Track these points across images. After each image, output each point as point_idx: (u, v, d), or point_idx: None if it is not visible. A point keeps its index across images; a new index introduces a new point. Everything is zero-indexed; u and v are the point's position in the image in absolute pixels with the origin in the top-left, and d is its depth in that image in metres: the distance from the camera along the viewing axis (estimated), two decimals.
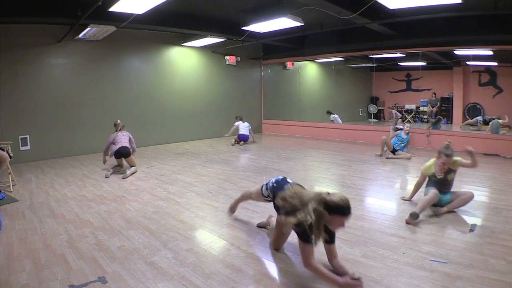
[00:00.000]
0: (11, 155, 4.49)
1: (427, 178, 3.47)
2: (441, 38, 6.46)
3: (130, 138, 5.28)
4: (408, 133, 6.30)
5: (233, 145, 7.85)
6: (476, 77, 9.42)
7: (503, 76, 8.98)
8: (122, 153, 5.07)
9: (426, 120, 10.63)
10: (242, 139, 7.93)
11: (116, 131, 5.26)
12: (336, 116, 9.81)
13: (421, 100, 10.86)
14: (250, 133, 8.05)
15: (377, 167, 5.44)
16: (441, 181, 3.34)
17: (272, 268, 2.30)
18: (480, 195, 3.88)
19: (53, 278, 2.17)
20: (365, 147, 7.57)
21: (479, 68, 9.23)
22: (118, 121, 5.40)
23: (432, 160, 3.36)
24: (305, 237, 2.01)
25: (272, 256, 2.47)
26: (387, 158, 6.10)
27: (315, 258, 2.04)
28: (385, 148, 6.22)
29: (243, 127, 7.99)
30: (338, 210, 1.95)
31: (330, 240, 2.14)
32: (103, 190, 4.27)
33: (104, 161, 5.44)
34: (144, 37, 7.61)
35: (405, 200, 3.67)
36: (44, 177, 5.00)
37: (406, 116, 10.97)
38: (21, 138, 6.13)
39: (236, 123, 8.08)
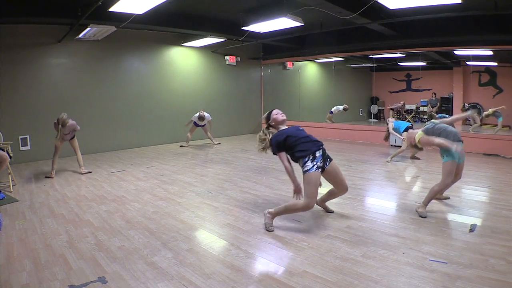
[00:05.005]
0: (11, 155, 4.49)
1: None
2: (441, 38, 6.45)
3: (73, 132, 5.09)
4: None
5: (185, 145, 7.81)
6: (476, 77, 9.42)
7: (503, 76, 8.97)
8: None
9: (426, 120, 10.63)
10: (198, 126, 7.61)
11: (62, 127, 4.89)
12: (337, 107, 10.01)
13: (421, 100, 10.86)
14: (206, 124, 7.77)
15: (377, 167, 5.44)
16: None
17: (272, 268, 2.30)
18: (480, 195, 3.89)
19: (53, 278, 2.17)
20: (365, 147, 7.57)
21: (479, 68, 9.22)
22: (64, 115, 4.92)
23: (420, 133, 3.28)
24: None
25: (272, 256, 2.47)
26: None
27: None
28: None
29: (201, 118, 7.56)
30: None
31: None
32: (103, 190, 4.27)
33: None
34: (144, 37, 7.61)
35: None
36: (44, 177, 5.00)
37: (406, 116, 10.98)
38: (21, 138, 6.13)
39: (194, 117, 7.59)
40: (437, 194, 3.24)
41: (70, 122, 4.94)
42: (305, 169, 2.78)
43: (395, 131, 6.00)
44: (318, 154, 2.83)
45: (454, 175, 3.16)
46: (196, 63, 8.83)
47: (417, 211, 3.23)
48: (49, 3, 5.16)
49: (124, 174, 5.13)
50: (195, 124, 7.66)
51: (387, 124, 6.23)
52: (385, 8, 4.71)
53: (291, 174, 2.87)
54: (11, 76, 5.94)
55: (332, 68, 10.67)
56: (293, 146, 2.87)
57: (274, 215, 2.95)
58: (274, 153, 2.98)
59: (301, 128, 3.06)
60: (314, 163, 2.78)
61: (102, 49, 6.99)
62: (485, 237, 2.71)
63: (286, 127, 3.08)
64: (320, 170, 2.82)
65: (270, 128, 3.12)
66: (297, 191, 2.87)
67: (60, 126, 4.88)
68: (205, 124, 7.70)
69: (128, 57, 7.51)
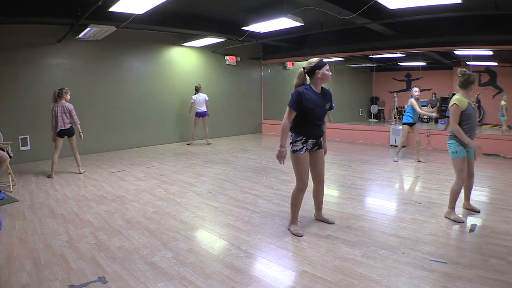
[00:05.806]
0: (11, 155, 4.49)
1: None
2: (441, 38, 6.45)
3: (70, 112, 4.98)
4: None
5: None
6: (476, 77, 9.42)
7: (503, 76, 8.98)
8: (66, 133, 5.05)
9: (426, 120, 10.64)
10: (200, 116, 7.83)
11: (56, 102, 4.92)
12: None
13: (421, 100, 10.84)
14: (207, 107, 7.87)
15: (377, 167, 5.44)
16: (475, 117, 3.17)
17: (272, 268, 2.30)
18: (480, 195, 3.89)
19: (53, 278, 2.17)
20: (365, 147, 7.57)
21: (479, 68, 9.22)
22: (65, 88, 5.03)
23: (456, 96, 3.19)
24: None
25: (272, 256, 2.47)
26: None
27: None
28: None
29: (200, 102, 7.77)
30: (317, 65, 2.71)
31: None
32: (103, 190, 4.28)
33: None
34: (144, 37, 7.61)
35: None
36: (44, 177, 5.00)
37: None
38: (21, 138, 6.14)
39: (193, 98, 7.82)
40: (458, 192, 3.06)
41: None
42: (294, 148, 2.74)
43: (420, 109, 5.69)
44: (310, 141, 2.79)
45: (466, 171, 3.05)
46: (196, 63, 8.83)
47: (449, 218, 3.06)
48: (49, 3, 5.16)
49: (124, 174, 5.13)
50: (198, 114, 7.80)
51: (410, 104, 5.80)
52: (385, 8, 4.71)
53: (284, 133, 2.66)
54: (11, 76, 5.94)
55: (332, 68, 10.60)
56: (303, 117, 2.68)
57: (292, 221, 2.90)
58: (289, 105, 2.68)
59: (327, 107, 2.79)
60: (304, 145, 2.75)
61: (102, 49, 6.99)
62: (485, 237, 2.71)
63: (318, 91, 2.74)
64: (307, 152, 2.79)
65: (310, 77, 2.73)
66: (279, 154, 2.67)
67: (57, 94, 4.93)
68: (206, 112, 7.83)
69: (128, 57, 7.51)
